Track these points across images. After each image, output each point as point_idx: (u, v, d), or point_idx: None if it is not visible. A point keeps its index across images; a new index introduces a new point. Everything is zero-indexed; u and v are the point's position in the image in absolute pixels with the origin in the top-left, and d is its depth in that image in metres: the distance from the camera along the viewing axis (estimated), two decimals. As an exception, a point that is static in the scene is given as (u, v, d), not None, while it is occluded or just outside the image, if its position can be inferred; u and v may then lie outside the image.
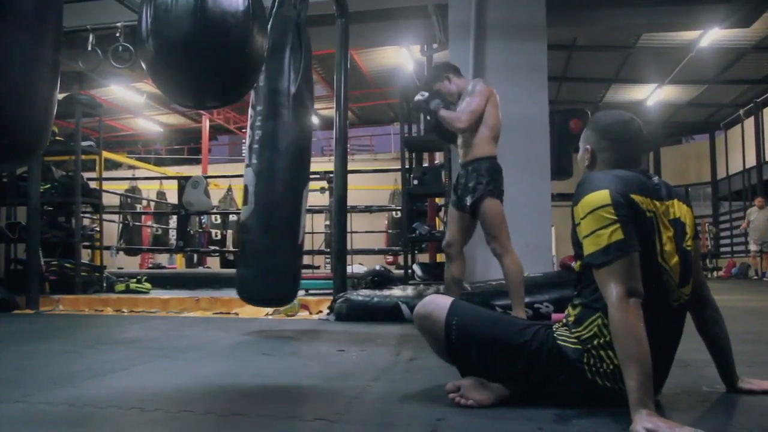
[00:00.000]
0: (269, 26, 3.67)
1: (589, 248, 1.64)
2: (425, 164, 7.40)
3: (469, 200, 3.59)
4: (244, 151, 21.85)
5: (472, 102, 3.57)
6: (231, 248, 12.68)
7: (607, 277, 1.58)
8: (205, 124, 15.41)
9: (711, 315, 1.88)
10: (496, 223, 3.55)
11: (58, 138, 6.73)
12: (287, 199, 3.66)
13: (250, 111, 3.76)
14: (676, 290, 1.70)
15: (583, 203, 1.67)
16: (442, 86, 3.75)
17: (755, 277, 10.26)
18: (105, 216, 7.85)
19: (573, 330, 1.75)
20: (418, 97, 3.63)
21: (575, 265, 1.81)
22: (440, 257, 7.46)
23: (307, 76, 3.77)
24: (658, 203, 1.70)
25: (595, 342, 1.69)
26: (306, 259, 11.70)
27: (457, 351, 1.86)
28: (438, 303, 1.93)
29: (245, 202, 3.66)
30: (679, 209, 1.75)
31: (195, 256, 12.39)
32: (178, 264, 13.12)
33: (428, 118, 3.72)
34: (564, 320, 1.82)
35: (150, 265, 13.58)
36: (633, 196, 1.65)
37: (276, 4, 3.73)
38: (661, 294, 1.68)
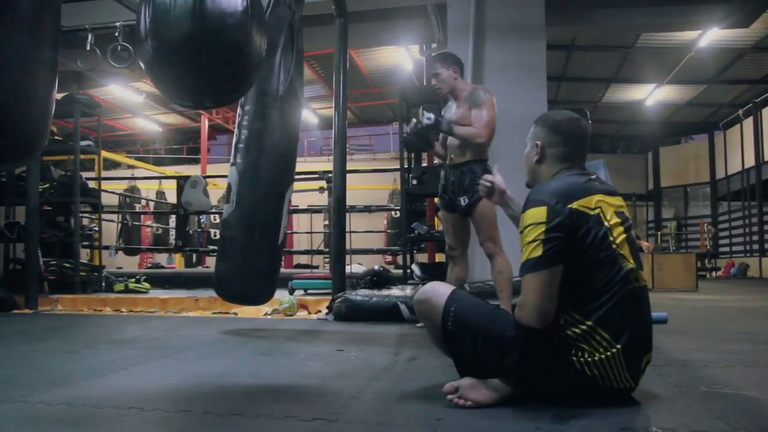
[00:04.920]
0: None
1: (522, 256, 1.81)
2: (424, 164, 7.40)
3: (464, 200, 3.59)
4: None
5: (487, 114, 3.55)
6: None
7: (525, 286, 1.78)
8: (204, 124, 15.39)
9: None
10: (492, 223, 3.56)
11: (56, 137, 6.72)
12: (269, 200, 3.68)
13: (238, 110, 3.76)
14: (636, 271, 1.79)
15: (525, 216, 1.82)
16: (446, 73, 3.68)
17: None
18: (104, 215, 7.84)
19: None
20: (426, 121, 3.56)
21: None
22: (439, 257, 7.46)
23: (296, 77, 3.76)
24: (599, 197, 1.81)
25: (572, 341, 1.74)
26: (304, 259, 11.69)
27: (453, 338, 1.89)
28: (438, 290, 1.98)
29: (227, 200, 3.68)
30: (619, 202, 1.87)
31: (194, 255, 12.39)
32: (177, 264, 13.10)
33: (419, 127, 3.67)
34: None
35: (149, 265, 13.57)
36: (574, 205, 1.77)
37: (271, 4, 3.71)
38: (624, 276, 1.76)
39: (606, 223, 1.78)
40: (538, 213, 1.77)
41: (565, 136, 1.94)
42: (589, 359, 1.72)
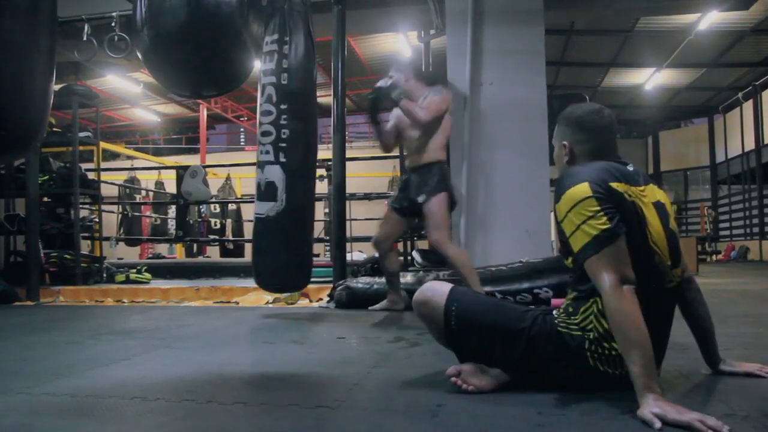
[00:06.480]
0: (277, 20, 3.70)
1: (577, 243, 1.65)
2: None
3: (422, 198, 3.73)
4: (243, 141, 21.74)
5: (438, 102, 3.67)
6: (230, 237, 12.68)
7: (597, 268, 1.59)
8: (203, 114, 15.36)
9: (695, 296, 1.90)
10: (441, 217, 3.72)
11: (55, 129, 6.70)
12: (312, 195, 3.95)
13: (270, 107, 3.73)
14: (670, 272, 1.72)
15: (564, 199, 1.68)
16: (399, 78, 3.80)
17: None
18: (104, 207, 7.82)
19: (572, 318, 1.75)
20: (380, 83, 3.71)
21: (567, 261, 1.80)
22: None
23: (314, 68, 3.86)
24: (637, 189, 1.72)
25: (592, 336, 1.70)
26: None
27: (457, 337, 1.86)
28: (437, 289, 1.92)
29: (269, 198, 3.76)
30: (656, 193, 1.77)
31: (195, 245, 12.39)
32: (177, 254, 13.10)
33: (373, 88, 3.79)
34: (563, 307, 1.82)
35: (150, 255, 13.58)
36: (612, 184, 1.66)
37: None
38: (656, 277, 1.69)
39: (641, 214, 1.67)
40: (581, 189, 1.64)
41: (590, 131, 1.83)
42: (603, 356, 1.68)
